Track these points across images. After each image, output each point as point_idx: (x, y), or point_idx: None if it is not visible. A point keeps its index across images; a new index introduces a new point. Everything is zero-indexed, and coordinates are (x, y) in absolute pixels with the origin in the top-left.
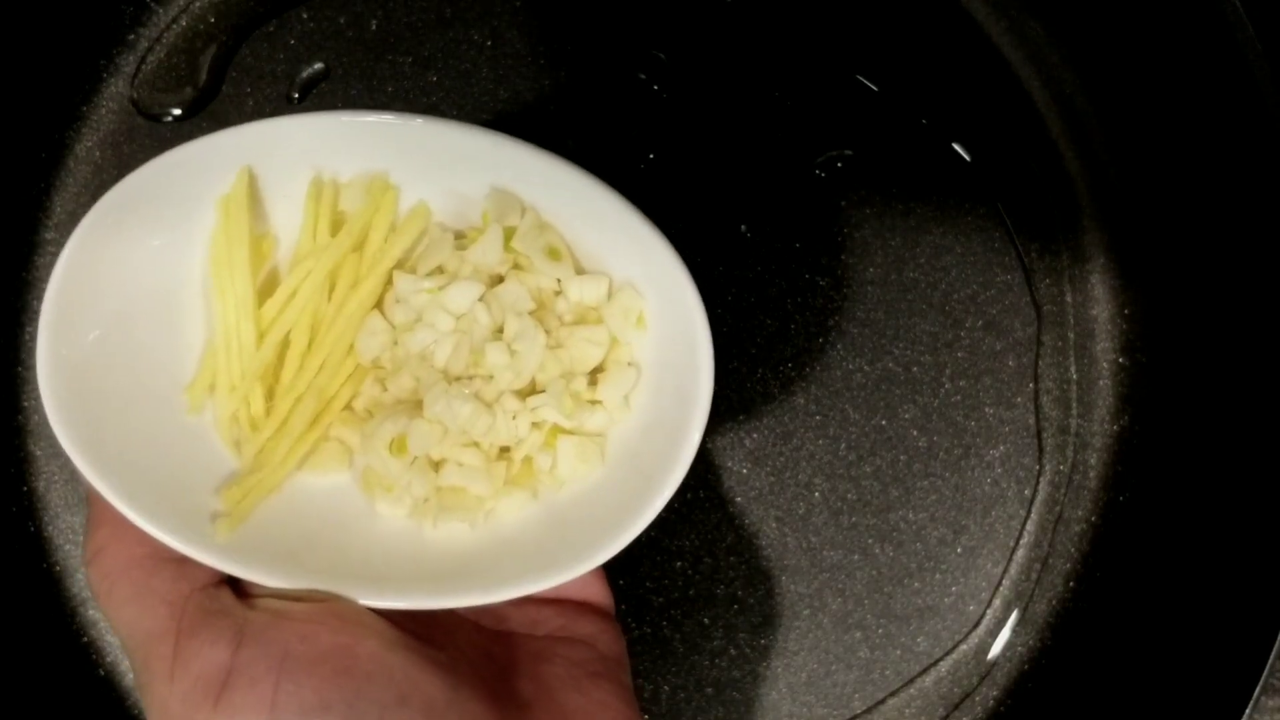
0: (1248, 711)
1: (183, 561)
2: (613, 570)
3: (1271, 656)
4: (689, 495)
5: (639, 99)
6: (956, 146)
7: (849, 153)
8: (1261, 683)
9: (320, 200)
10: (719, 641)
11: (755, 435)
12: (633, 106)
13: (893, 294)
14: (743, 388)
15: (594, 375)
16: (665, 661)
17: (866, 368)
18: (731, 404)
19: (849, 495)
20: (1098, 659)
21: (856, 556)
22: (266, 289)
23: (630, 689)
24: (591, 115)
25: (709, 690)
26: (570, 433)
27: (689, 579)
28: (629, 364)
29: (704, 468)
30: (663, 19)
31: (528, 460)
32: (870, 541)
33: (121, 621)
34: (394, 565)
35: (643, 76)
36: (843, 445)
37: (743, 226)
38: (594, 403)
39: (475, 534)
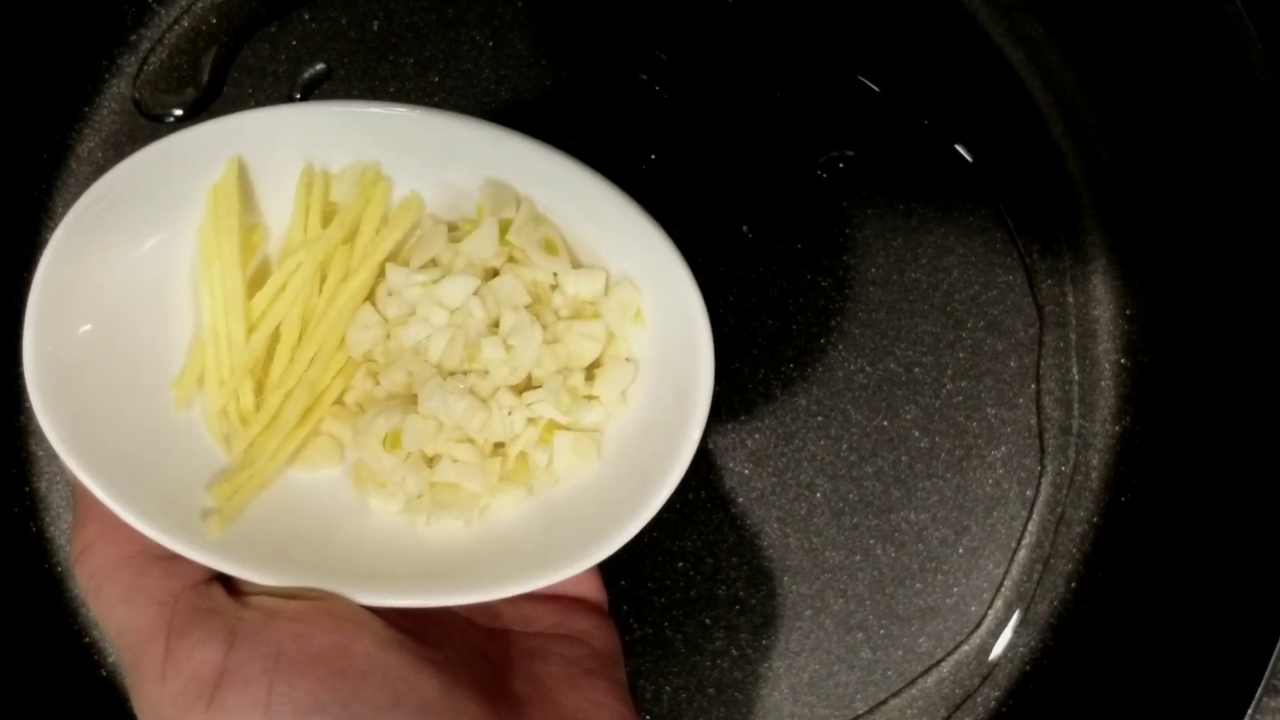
0: (1249, 712)
1: (172, 559)
2: (614, 571)
3: (1273, 657)
4: (690, 496)
5: (640, 100)
6: (958, 147)
7: (851, 153)
8: (1263, 683)
9: (311, 191)
10: (721, 642)
11: (757, 436)
12: (634, 107)
13: (894, 295)
14: (744, 388)
15: (591, 370)
16: (667, 662)
17: (868, 368)
18: (733, 405)
19: (851, 496)
20: (1099, 659)
21: (858, 557)
22: (257, 281)
23: (625, 686)
24: (593, 116)
25: (711, 691)
26: (567, 428)
27: (690, 580)
28: (626, 359)
29: (705, 468)
30: (664, 19)
31: (523, 456)
32: (872, 542)
33: (111, 621)
34: (387, 562)
35: (644, 77)
36: (844, 446)
37: (744, 227)
38: (591, 398)
39: (470, 531)
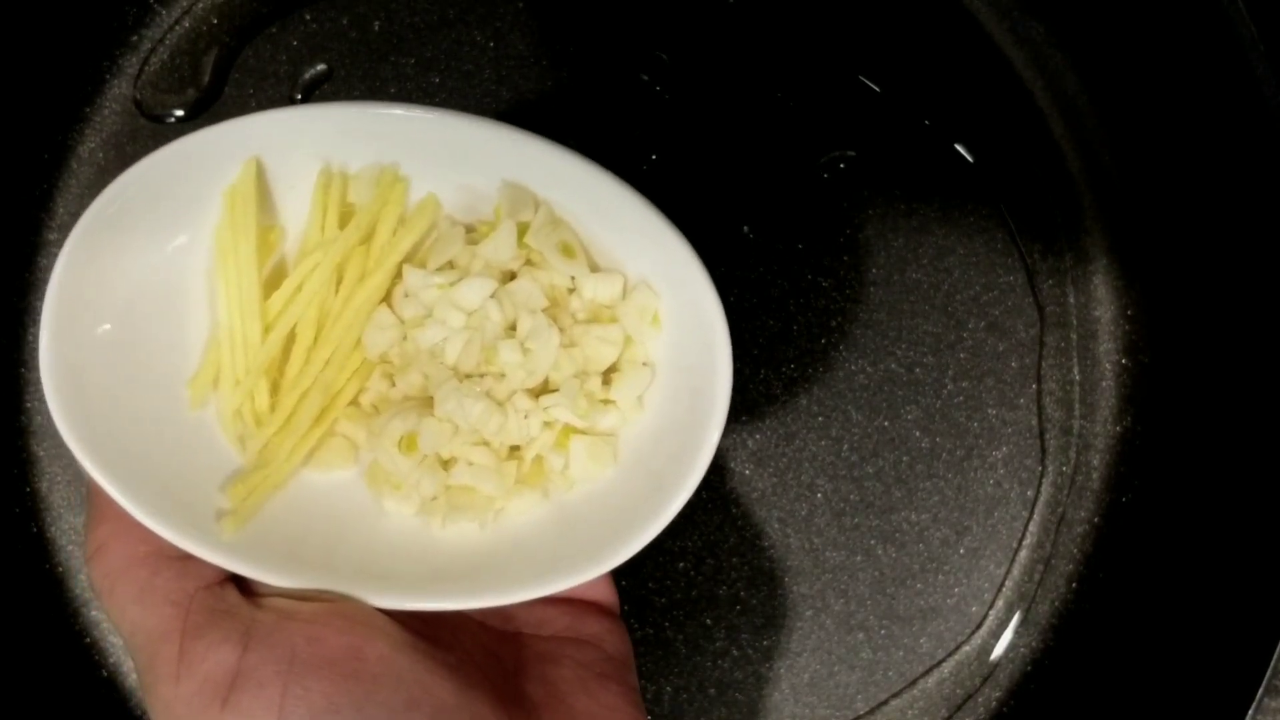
0: (1250, 712)
1: (186, 559)
2: (616, 571)
3: (1275, 657)
4: (692, 496)
5: (641, 100)
6: (959, 147)
7: (852, 154)
8: (1264, 684)
9: (329, 192)
10: (722, 642)
11: (758, 436)
12: (635, 107)
13: (895, 295)
14: (745, 389)
15: (607, 375)
16: (668, 662)
17: (869, 369)
18: (734, 405)
19: (852, 496)
20: (1100, 660)
21: (859, 557)
22: (273, 282)
23: (637, 690)
24: (594, 116)
25: (712, 691)
26: (583, 433)
27: (691, 580)
28: (643, 364)
29: (707, 469)
30: (665, 20)
31: (539, 460)
32: (873, 542)
33: (124, 621)
34: (401, 565)
35: (645, 77)
36: (845, 446)
37: (745, 227)
38: (607, 402)
39: (485, 534)
